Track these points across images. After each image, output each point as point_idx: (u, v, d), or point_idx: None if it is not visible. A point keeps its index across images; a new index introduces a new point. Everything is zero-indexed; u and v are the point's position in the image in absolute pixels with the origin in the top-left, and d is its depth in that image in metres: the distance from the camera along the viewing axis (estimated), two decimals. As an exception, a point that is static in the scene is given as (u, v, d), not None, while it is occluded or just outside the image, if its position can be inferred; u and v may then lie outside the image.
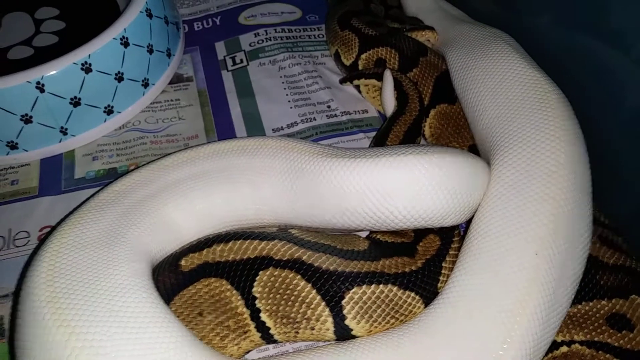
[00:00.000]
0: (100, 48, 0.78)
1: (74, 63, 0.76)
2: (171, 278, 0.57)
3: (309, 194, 0.60)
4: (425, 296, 0.58)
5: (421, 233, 0.63)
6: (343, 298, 0.55)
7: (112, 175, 0.81)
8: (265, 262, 0.57)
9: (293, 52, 0.98)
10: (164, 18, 0.89)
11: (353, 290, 0.55)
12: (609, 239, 0.64)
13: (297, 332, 0.58)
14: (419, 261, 0.59)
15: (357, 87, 0.92)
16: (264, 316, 0.57)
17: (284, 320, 0.57)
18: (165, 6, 0.91)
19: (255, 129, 0.88)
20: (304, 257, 0.57)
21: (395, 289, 0.56)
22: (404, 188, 0.56)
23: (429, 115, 0.82)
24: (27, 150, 0.81)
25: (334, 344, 0.56)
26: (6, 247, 0.73)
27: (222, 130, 0.88)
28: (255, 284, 0.56)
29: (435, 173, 0.56)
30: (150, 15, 0.85)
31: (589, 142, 0.64)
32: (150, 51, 0.86)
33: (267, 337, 0.59)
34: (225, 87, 0.94)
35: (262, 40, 1.00)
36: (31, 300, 0.49)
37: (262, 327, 0.58)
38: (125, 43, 0.81)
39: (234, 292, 0.57)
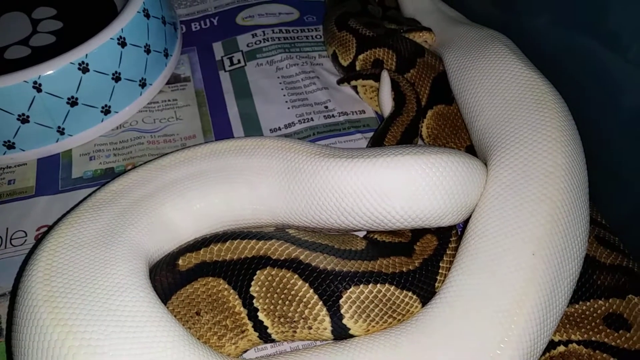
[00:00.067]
0: (97, 48, 0.78)
1: (71, 63, 0.76)
2: (168, 277, 0.57)
3: (306, 194, 0.60)
4: (423, 296, 0.58)
5: (418, 233, 0.63)
6: (340, 297, 0.55)
7: (109, 175, 0.80)
8: (262, 261, 0.57)
9: (291, 53, 0.98)
10: (161, 18, 0.89)
11: (350, 289, 0.55)
12: (606, 239, 0.65)
13: (294, 332, 0.58)
14: (416, 261, 0.59)
15: (355, 87, 0.92)
16: (261, 315, 0.57)
17: (282, 320, 0.57)
18: (163, 6, 0.91)
19: (252, 129, 0.88)
20: (302, 257, 0.57)
21: (392, 288, 0.56)
22: (401, 188, 0.56)
23: (427, 116, 0.82)
24: (24, 150, 0.81)
25: (331, 344, 0.56)
26: (3, 246, 0.73)
27: (220, 131, 0.88)
28: (252, 283, 0.56)
29: (433, 173, 0.56)
30: (147, 16, 0.85)
31: (587, 143, 0.64)
32: (148, 51, 0.86)
33: (265, 337, 0.59)
34: (223, 88, 0.94)
35: (260, 41, 1.00)
36: (28, 300, 0.49)
37: (259, 327, 0.58)
38: (122, 43, 0.81)
39: (232, 291, 0.57)
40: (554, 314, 0.54)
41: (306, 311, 0.56)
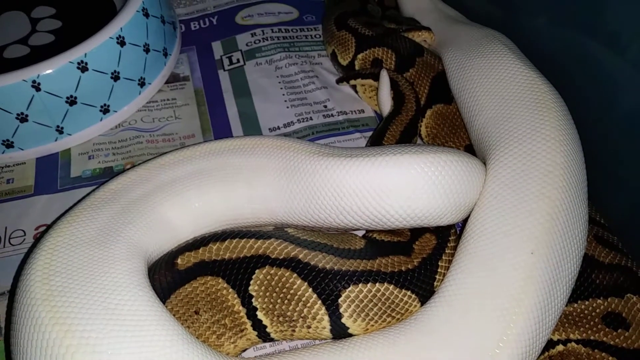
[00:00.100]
0: (96, 47, 0.78)
1: (70, 62, 0.76)
2: (167, 276, 0.57)
3: (305, 193, 0.60)
4: (422, 295, 0.58)
5: (417, 232, 0.63)
6: (339, 296, 0.56)
7: (108, 174, 0.80)
8: (261, 260, 0.57)
9: (290, 52, 0.98)
10: (160, 17, 0.89)
11: (349, 288, 0.55)
12: (605, 238, 0.65)
13: (293, 331, 0.58)
14: (415, 260, 0.59)
15: (354, 87, 0.92)
16: (260, 315, 0.57)
17: (281, 319, 0.57)
18: (162, 6, 0.91)
19: (251, 128, 0.88)
20: (300, 256, 0.57)
21: (391, 287, 0.56)
22: (400, 187, 0.56)
23: (426, 115, 0.82)
24: (22, 149, 0.81)
25: (330, 342, 0.56)
26: (2, 245, 0.72)
27: (219, 130, 0.88)
28: (251, 282, 0.56)
29: (432, 173, 0.56)
30: (146, 15, 0.85)
31: (585, 142, 0.64)
32: (147, 50, 0.86)
33: (264, 336, 0.59)
34: (222, 87, 0.94)
35: (259, 40, 1.00)
36: (27, 299, 0.49)
37: (258, 326, 0.58)
38: (121, 42, 0.81)
39: (230, 290, 0.57)
40: (553, 313, 0.54)
41: (305, 310, 0.56)
